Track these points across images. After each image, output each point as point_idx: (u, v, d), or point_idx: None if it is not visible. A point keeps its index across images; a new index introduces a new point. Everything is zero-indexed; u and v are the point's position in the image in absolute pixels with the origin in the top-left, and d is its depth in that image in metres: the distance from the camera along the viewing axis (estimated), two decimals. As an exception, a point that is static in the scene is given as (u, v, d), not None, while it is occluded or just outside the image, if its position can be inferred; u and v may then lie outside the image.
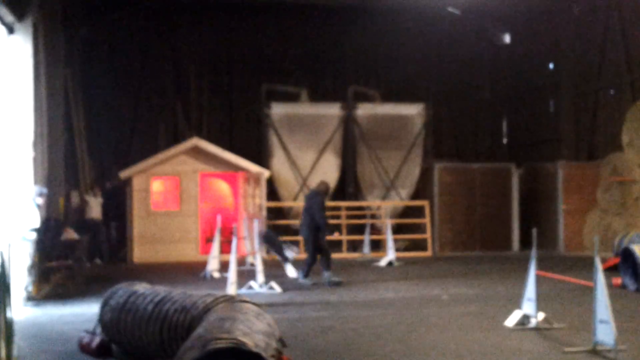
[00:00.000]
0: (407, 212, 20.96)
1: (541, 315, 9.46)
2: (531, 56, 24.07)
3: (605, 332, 7.83)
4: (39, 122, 14.41)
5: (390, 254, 17.25)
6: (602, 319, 7.91)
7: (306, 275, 13.72)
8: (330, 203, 20.38)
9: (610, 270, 14.15)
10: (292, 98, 21.73)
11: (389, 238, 17.52)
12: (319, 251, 13.79)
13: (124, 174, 18.24)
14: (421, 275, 15.29)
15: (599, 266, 8.00)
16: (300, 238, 17.52)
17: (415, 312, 10.81)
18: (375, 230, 20.07)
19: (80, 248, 14.39)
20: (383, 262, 17.10)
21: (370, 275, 15.31)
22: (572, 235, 19.64)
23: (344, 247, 19.41)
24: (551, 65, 23.88)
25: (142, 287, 8.13)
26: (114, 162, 21.46)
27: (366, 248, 18.82)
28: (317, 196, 13.84)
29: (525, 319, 9.55)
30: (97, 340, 8.02)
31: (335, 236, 15.96)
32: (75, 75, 19.50)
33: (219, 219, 15.39)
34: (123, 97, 23.00)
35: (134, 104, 23.20)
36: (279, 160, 20.56)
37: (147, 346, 7.46)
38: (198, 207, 18.44)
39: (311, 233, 13.63)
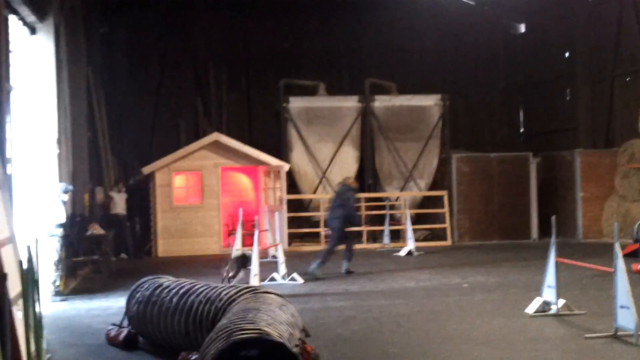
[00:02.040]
0: (425, 202, 21.06)
1: (561, 302, 9.56)
2: (546, 45, 24.03)
3: (626, 318, 7.93)
4: (62, 120, 14.67)
5: (410, 244, 17.38)
6: (622, 304, 8.00)
7: (323, 263, 13.78)
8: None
9: (629, 257, 14.19)
10: (310, 92, 21.87)
11: (409, 228, 17.65)
12: (346, 242, 14.13)
13: (146, 170, 18.50)
14: (441, 264, 15.42)
15: (619, 252, 8.09)
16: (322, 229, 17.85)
17: (435, 300, 10.94)
18: (394, 220, 20.20)
19: (106, 243, 14.64)
20: (403, 252, 17.24)
21: (390, 265, 15.45)
22: (591, 222, 19.66)
23: (365, 238, 19.54)
24: (566, 54, 23.83)
25: (167, 280, 8.33)
26: (137, 158, 21.72)
27: (386, 238, 18.96)
28: (350, 190, 14.34)
29: (546, 305, 9.64)
30: (124, 332, 8.24)
31: (362, 228, 16.10)
32: (96, 74, 19.77)
33: (240, 212, 15.58)
34: (144, 95, 23.27)
35: (154, 101, 23.46)
36: (298, 153, 20.73)
37: (173, 337, 7.66)
38: (220, 201, 18.66)
39: (342, 225, 13.96)
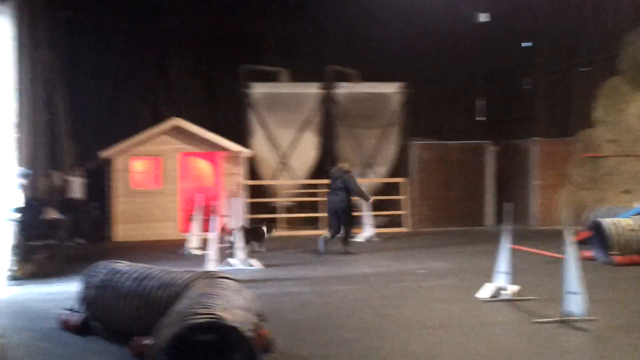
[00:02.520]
0: (385, 189, 21.22)
1: (514, 288, 9.76)
2: (507, 35, 24.30)
3: (574, 303, 8.13)
4: (21, 104, 14.45)
5: (369, 230, 17.51)
6: (571, 290, 8.20)
7: (329, 238, 15.08)
8: (309, 181, 20.63)
9: (581, 244, 14.51)
10: (272, 78, 21.83)
11: (367, 215, 17.78)
12: (347, 225, 15.14)
13: (104, 154, 18.33)
14: (398, 250, 15.57)
15: (569, 239, 8.28)
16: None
17: (392, 286, 11.08)
18: (353, 207, 20.27)
19: (62, 227, 14.53)
20: (361, 238, 17.36)
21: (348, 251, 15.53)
22: (545, 210, 20.03)
23: (324, 224, 19.60)
24: (526, 44, 24.14)
25: (122, 265, 8.31)
26: (96, 142, 21.48)
27: (345, 225, 19.01)
28: (348, 173, 15.26)
29: (498, 291, 9.83)
30: (78, 317, 8.19)
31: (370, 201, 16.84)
32: (56, 57, 19.47)
33: (198, 197, 15.56)
34: (104, 79, 22.96)
35: (114, 86, 23.19)
36: (258, 139, 20.70)
37: (128, 323, 7.65)
38: (179, 186, 18.59)
39: (348, 207, 15.11)
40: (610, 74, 19.41)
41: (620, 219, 13.46)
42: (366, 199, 16.19)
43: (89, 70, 22.62)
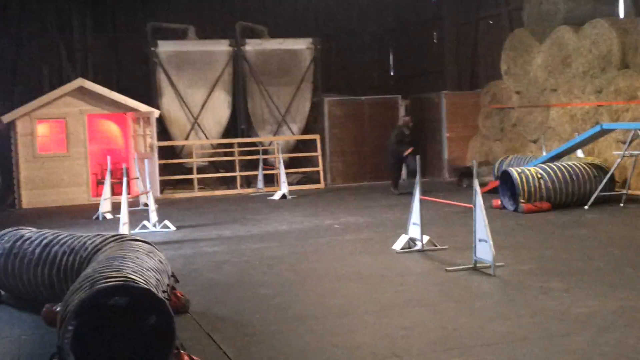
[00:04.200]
0: (299, 146, 21.21)
1: (426, 238, 9.95)
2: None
3: (484, 250, 8.36)
4: None
5: (284, 188, 17.51)
6: (481, 238, 8.42)
7: (395, 186, 17.66)
8: (223, 140, 20.40)
9: (491, 193, 14.93)
10: (180, 35, 21.32)
11: (282, 172, 17.76)
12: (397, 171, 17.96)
13: (6, 118, 17.60)
14: (314, 206, 15.64)
15: (478, 189, 8.46)
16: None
17: (308, 242, 11.13)
18: (268, 165, 20.26)
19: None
20: (277, 196, 17.36)
21: (264, 209, 15.54)
22: (456, 161, 20.47)
23: (238, 182, 19.52)
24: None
25: (29, 232, 8.04)
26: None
27: (260, 183, 18.99)
28: (395, 129, 18.03)
29: (411, 242, 10.03)
30: (-17, 286, 7.94)
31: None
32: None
33: (109, 160, 15.18)
34: (3, 39, 21.96)
35: (15, 46, 22.21)
36: (168, 99, 20.26)
37: (37, 290, 7.45)
38: (87, 149, 18.07)
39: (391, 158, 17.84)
40: (515, 25, 19.81)
41: (528, 168, 13.86)
42: (394, 155, 17.73)
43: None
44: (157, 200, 14.52)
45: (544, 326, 6.19)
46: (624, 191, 13.69)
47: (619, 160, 13.81)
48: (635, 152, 13.72)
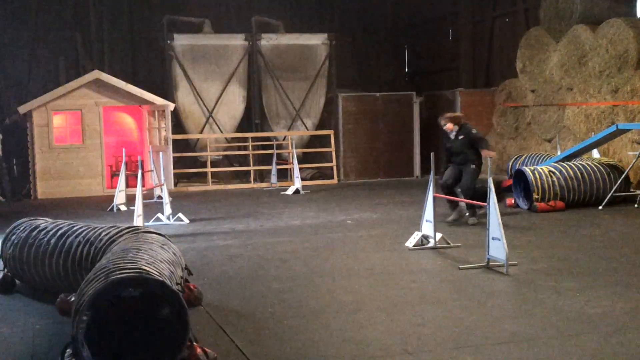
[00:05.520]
0: (312, 141, 21.23)
1: (439, 236, 9.95)
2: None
3: (497, 249, 8.34)
4: None
5: (297, 183, 17.55)
6: (494, 236, 8.41)
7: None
8: (237, 134, 20.45)
9: (505, 191, 14.89)
10: (195, 29, 21.37)
11: (296, 167, 17.79)
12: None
13: (23, 109, 17.72)
14: (327, 202, 15.67)
15: (492, 187, 8.45)
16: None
17: (320, 237, 11.15)
18: (282, 160, 20.30)
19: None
20: (290, 191, 17.40)
21: (277, 204, 15.57)
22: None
23: (252, 177, 19.57)
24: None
25: (44, 222, 8.11)
26: (14, 97, 20.79)
27: (273, 178, 19.04)
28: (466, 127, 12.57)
29: (424, 239, 10.02)
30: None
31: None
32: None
33: (124, 152, 15.26)
34: (21, 31, 22.11)
35: (32, 38, 22.37)
36: (183, 92, 20.32)
37: (52, 280, 7.51)
38: (102, 141, 18.17)
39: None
40: (531, 24, 19.74)
41: (542, 167, 13.81)
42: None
43: (6, 21, 21.75)
44: (171, 193, 14.59)
45: (555, 326, 6.18)
46: (639, 192, 13.62)
47: (634, 160, 13.74)
48: (651, 153, 13.65)
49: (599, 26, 16.41)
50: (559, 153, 15.55)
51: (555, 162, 14.28)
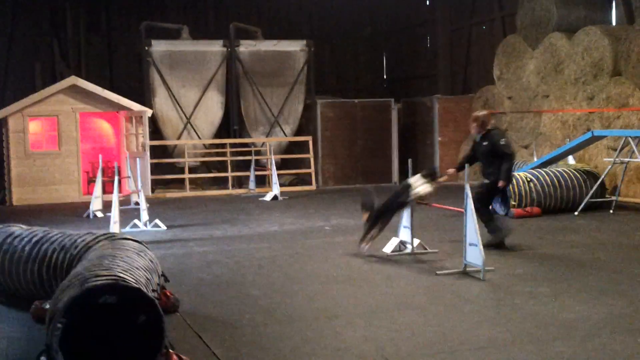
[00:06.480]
0: (291, 147, 21.23)
1: (416, 242, 9.97)
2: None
3: (474, 255, 8.39)
4: None
5: (276, 189, 17.52)
6: (471, 242, 8.45)
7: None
8: (215, 140, 20.39)
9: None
10: (173, 35, 21.31)
11: (274, 173, 17.76)
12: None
13: (-3, 115, 17.57)
14: (305, 208, 15.66)
15: (469, 193, 8.50)
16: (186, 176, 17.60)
17: (298, 243, 11.14)
18: (260, 166, 20.27)
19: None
20: (268, 197, 17.36)
21: (255, 210, 15.54)
22: (448, 165, 20.36)
23: (230, 183, 19.52)
24: (427, 1, 24.45)
25: (19, 229, 8.02)
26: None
27: (252, 184, 18.99)
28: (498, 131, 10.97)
29: (402, 245, 10.05)
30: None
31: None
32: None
33: (100, 158, 15.17)
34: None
35: (8, 43, 22.18)
36: (161, 98, 20.24)
37: (27, 287, 7.43)
38: (79, 147, 18.04)
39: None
40: (508, 31, 19.90)
41: (519, 173, 13.91)
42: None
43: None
44: (148, 200, 14.51)
45: (531, 331, 6.22)
46: (614, 198, 13.76)
47: (609, 167, 13.88)
48: (626, 159, 13.79)
49: (575, 34, 16.59)
50: (535, 159, 15.67)
51: (532, 169, 14.39)
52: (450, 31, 23.43)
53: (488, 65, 19.90)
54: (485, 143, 10.36)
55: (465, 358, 5.57)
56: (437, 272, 8.62)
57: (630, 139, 13.53)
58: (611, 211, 13.41)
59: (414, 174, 10.22)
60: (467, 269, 8.53)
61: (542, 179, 13.56)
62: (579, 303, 7.09)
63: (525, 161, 16.59)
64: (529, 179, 13.47)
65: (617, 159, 13.73)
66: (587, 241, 10.78)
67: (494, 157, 10.24)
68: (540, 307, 6.96)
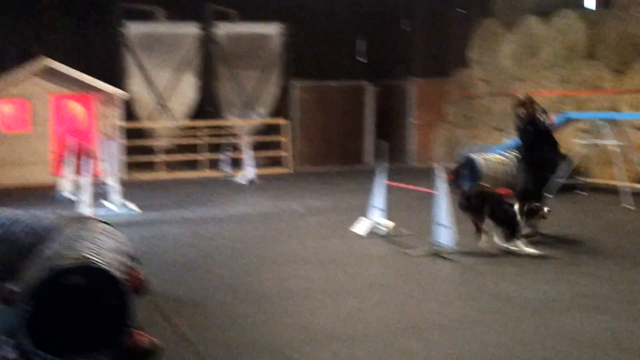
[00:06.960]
0: (267, 130, 21.15)
1: (389, 223, 10.02)
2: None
3: (445, 235, 8.46)
4: None
5: (251, 172, 17.48)
6: (442, 223, 8.52)
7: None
8: (189, 123, 20.28)
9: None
10: (148, 17, 21.10)
11: (249, 156, 17.72)
12: None
13: (-32, 97, 17.34)
14: (280, 190, 15.65)
15: (441, 174, 8.55)
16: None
17: (272, 225, 11.15)
18: (235, 148, 20.18)
19: None
20: (243, 180, 17.32)
21: (229, 192, 15.51)
22: (422, 148, 20.61)
23: (205, 165, 19.45)
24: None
25: (-14, 210, 7.93)
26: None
27: (226, 166, 18.93)
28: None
29: (375, 227, 10.09)
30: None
31: None
32: None
33: (71, 139, 15.02)
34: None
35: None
36: (135, 80, 20.06)
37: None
38: (51, 129, 17.86)
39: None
40: (485, 15, 19.93)
41: (491, 154, 13.96)
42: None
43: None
44: (121, 182, 14.40)
45: (498, 310, 6.29)
46: (585, 179, 13.89)
47: (581, 149, 14.00)
48: (598, 142, 13.91)
49: (551, 17, 16.65)
50: (507, 140, 15.76)
51: (504, 150, 14.44)
52: (428, 14, 23.40)
53: (465, 48, 19.93)
54: (529, 128, 9.92)
55: (433, 336, 5.62)
56: (409, 252, 8.67)
57: (603, 121, 13.64)
58: (583, 193, 13.54)
59: (391, 157, 10.21)
60: (439, 250, 8.58)
61: (512, 162, 13.61)
62: (545, 283, 7.18)
63: (497, 143, 16.65)
64: (502, 163, 13.51)
65: (589, 142, 13.84)
66: (557, 222, 10.87)
67: (536, 141, 9.87)
68: (507, 287, 7.04)
